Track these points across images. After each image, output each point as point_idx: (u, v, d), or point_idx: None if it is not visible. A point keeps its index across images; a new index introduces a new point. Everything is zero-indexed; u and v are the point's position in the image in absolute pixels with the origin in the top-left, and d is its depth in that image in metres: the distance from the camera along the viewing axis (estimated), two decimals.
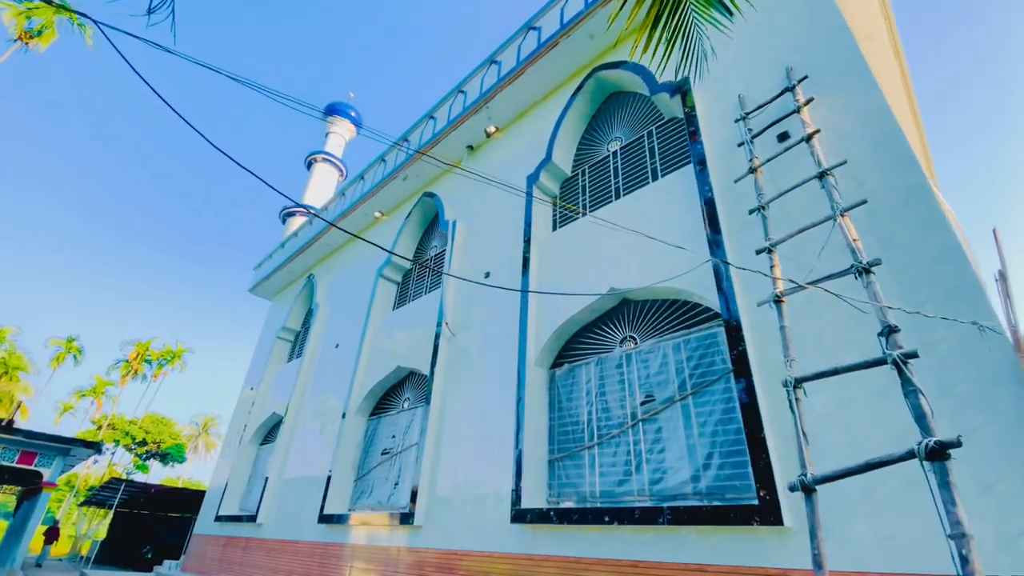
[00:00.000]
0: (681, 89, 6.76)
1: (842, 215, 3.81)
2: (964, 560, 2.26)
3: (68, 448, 13.63)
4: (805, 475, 2.89)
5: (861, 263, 3.40)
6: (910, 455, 2.56)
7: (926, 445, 2.51)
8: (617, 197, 7.49)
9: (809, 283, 3.25)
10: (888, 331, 3.02)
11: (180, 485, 38.41)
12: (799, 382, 3.27)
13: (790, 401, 3.22)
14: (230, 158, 3.36)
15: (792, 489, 2.93)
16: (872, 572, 3.47)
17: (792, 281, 3.28)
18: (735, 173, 5.68)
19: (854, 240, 3.60)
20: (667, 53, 2.94)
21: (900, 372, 2.83)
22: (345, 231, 4.74)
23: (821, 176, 4.27)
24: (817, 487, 2.85)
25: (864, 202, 3.83)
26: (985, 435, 3.37)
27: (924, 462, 2.52)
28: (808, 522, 2.81)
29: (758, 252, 4.35)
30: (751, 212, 4.83)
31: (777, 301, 3.83)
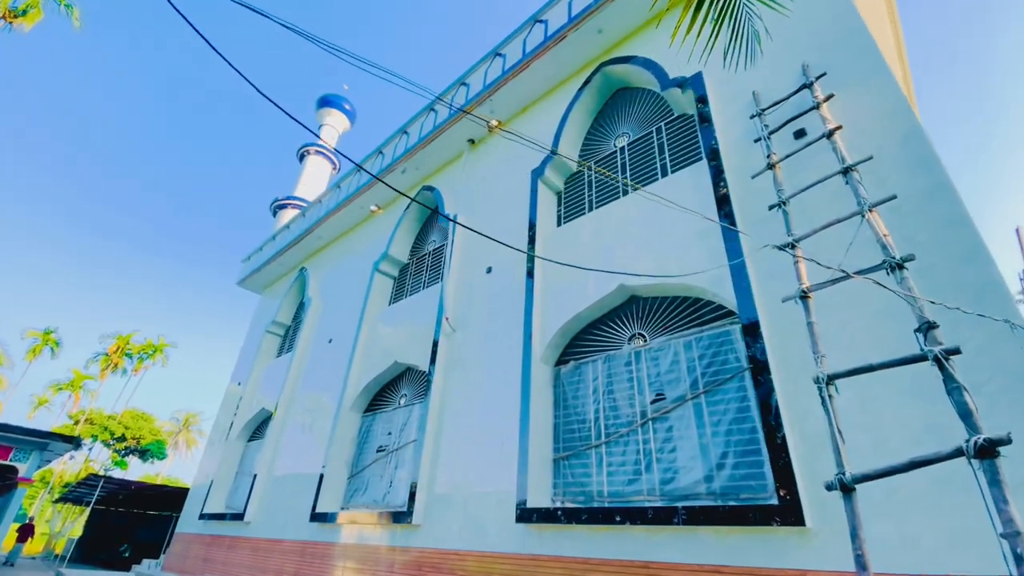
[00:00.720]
0: (694, 84, 6.68)
1: (870, 210, 3.74)
2: (1019, 559, 2.18)
3: (46, 442, 13.14)
4: (843, 474, 2.79)
5: (894, 258, 3.33)
6: (958, 453, 2.48)
7: (975, 443, 2.42)
8: (625, 193, 7.39)
9: (857, 273, 3.16)
10: (927, 327, 2.94)
11: (159, 482, 37.51)
12: (831, 379, 3.18)
13: (822, 398, 3.13)
14: (255, 88, 3.18)
15: (829, 488, 2.84)
16: (897, 573, 3.40)
17: (843, 271, 3.18)
18: (749, 170, 5.62)
19: (884, 235, 3.53)
20: (714, 34, 2.82)
21: (942, 369, 2.75)
22: (392, 188, 4.52)
23: (846, 172, 4.20)
24: (856, 486, 2.75)
25: (894, 197, 3.77)
26: (1014, 434, 3.32)
27: (972, 460, 2.44)
28: (848, 522, 2.71)
29: (781, 247, 4.27)
30: (771, 208, 4.76)
31: (803, 297, 3.74)
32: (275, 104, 3.44)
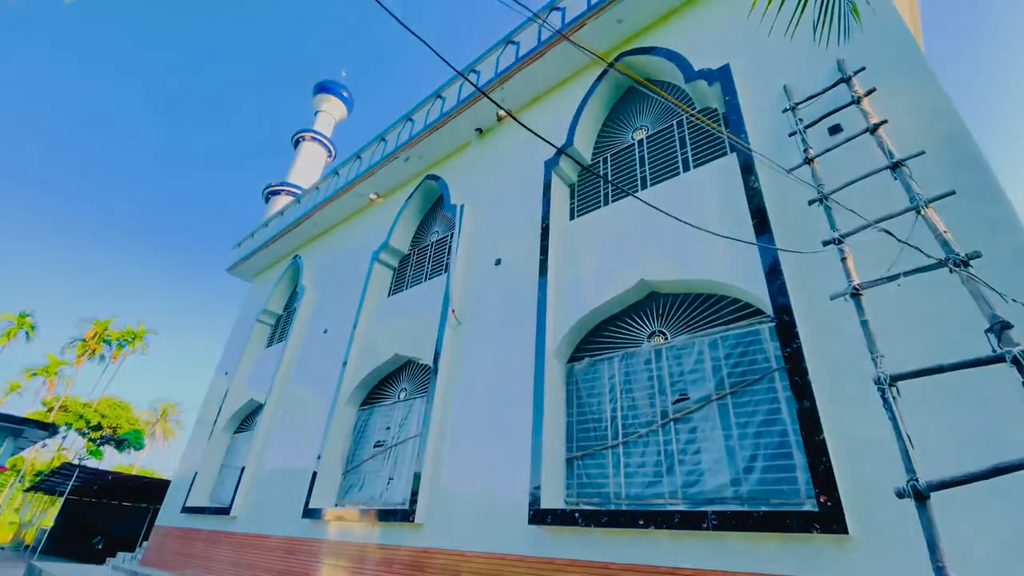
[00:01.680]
0: (720, 77, 6.50)
1: (927, 206, 3.58)
2: None
3: (20, 429, 12.50)
4: (916, 480, 2.61)
5: (958, 255, 3.16)
6: None
7: None
8: (644, 187, 7.19)
9: (945, 261, 2.98)
10: (1000, 327, 2.77)
11: (135, 473, 36.49)
12: (894, 380, 3.00)
13: (885, 400, 2.95)
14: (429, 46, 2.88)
15: (900, 495, 2.65)
16: None
17: (939, 259, 2.99)
18: (780, 165, 5.45)
19: (944, 232, 3.37)
20: (800, 5, 2.61)
21: (1021, 370, 2.58)
22: (507, 108, 4.23)
23: (895, 167, 4.04)
24: (932, 494, 2.56)
25: (952, 192, 3.61)
26: None
27: None
28: (925, 533, 2.53)
29: (825, 244, 4.10)
30: (811, 203, 4.58)
31: (855, 294, 3.57)
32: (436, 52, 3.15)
